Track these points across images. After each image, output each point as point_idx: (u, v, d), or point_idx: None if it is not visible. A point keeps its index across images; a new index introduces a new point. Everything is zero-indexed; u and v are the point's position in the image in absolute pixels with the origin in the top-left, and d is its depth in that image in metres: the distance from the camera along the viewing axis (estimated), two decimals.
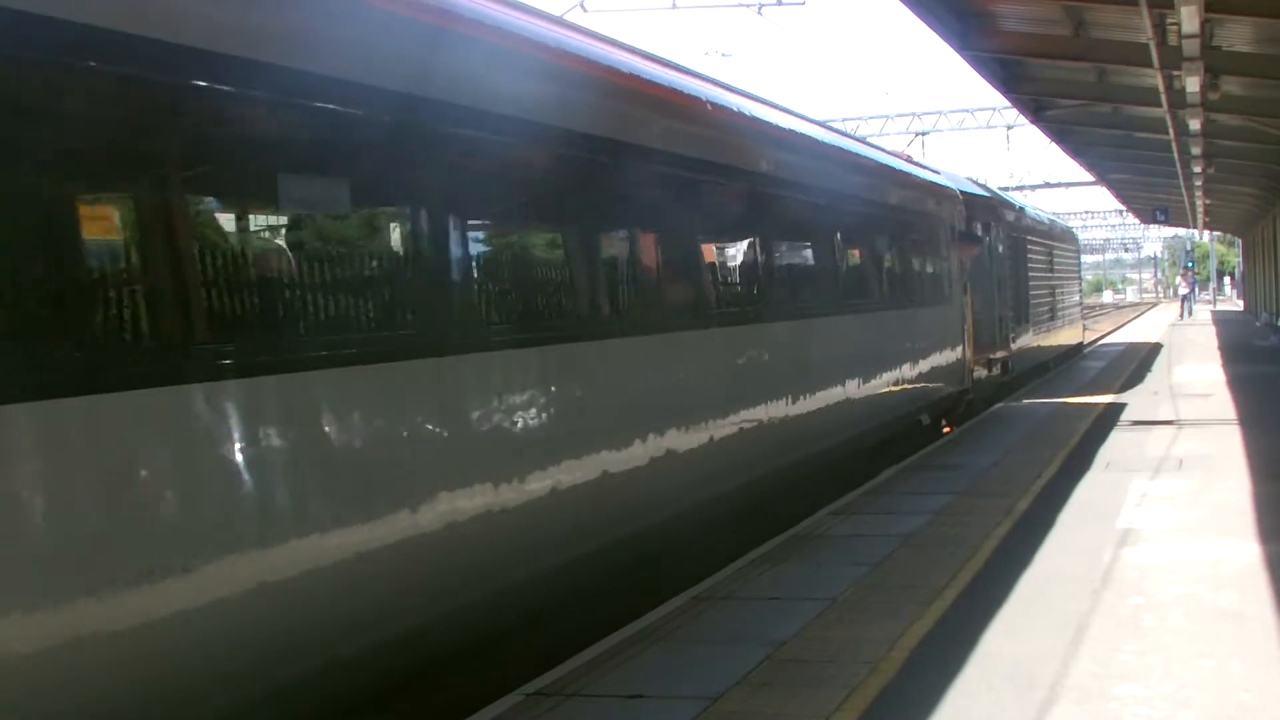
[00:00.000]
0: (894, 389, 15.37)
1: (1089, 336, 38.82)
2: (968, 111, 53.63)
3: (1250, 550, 9.33)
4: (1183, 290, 71.00)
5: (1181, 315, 62.55)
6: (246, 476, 5.47)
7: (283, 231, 6.34)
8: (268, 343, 5.77)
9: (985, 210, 22.61)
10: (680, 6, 25.44)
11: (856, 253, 14.55)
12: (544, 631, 7.94)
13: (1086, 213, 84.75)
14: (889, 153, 19.34)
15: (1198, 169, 26.92)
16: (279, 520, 5.64)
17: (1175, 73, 15.38)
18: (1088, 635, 7.39)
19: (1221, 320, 54.96)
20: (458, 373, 6.94)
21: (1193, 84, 15.18)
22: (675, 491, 9.35)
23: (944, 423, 18.88)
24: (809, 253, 13.29)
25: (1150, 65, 15.80)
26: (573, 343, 8.16)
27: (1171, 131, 21.74)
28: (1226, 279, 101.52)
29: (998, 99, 33.36)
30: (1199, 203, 39.39)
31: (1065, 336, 32.80)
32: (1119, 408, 19.65)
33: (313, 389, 5.90)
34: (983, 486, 12.90)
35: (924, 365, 16.82)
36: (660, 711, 6.47)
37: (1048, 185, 62.99)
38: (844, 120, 49.80)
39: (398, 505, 6.34)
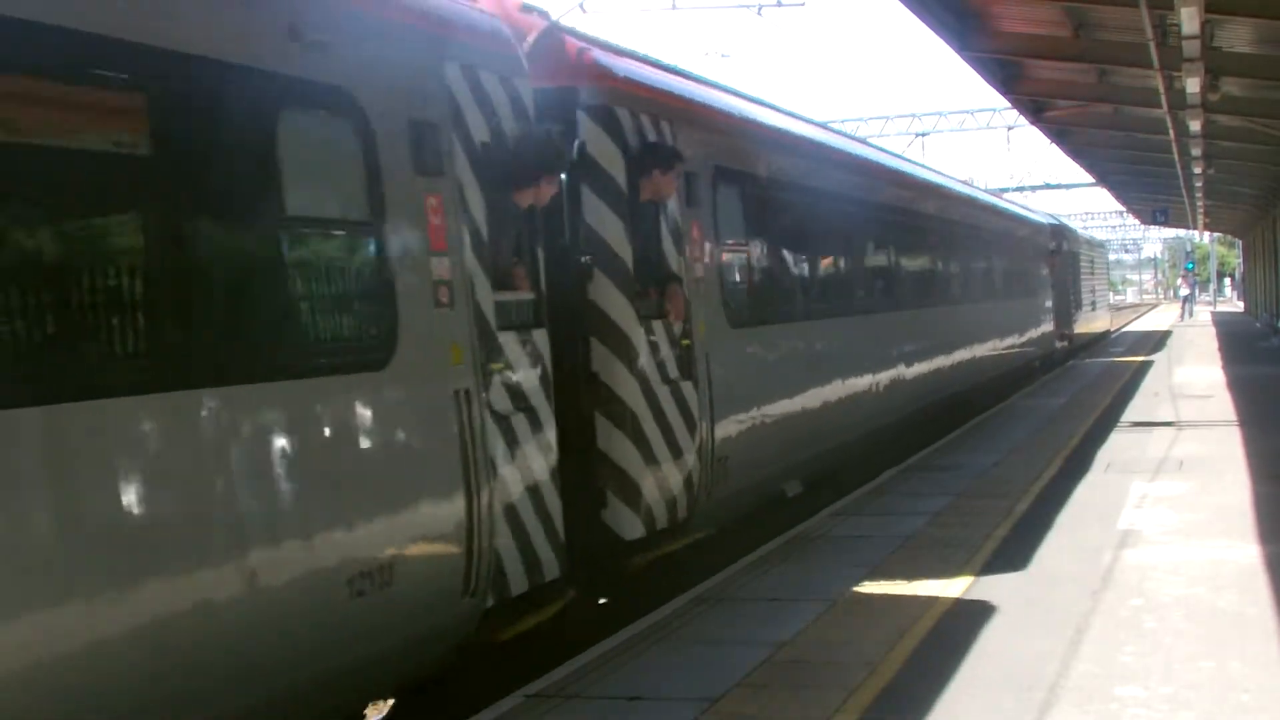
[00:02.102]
0: (1018, 349, 25.61)
1: (1104, 328, 48.32)
2: (968, 112, 53.52)
3: (1250, 551, 9.33)
4: (1183, 291, 71.03)
5: (1182, 316, 62.59)
6: None
7: None
8: None
9: (1056, 233, 32.75)
10: (680, 7, 25.42)
11: (1003, 264, 24.85)
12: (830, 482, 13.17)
13: (1086, 214, 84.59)
14: (1015, 203, 32.19)
15: (1198, 170, 26.89)
16: None
17: (1175, 74, 15.36)
18: (1088, 636, 7.39)
19: (1221, 321, 54.95)
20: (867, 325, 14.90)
21: (1193, 85, 15.16)
22: (912, 400, 16.67)
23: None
24: (981, 266, 22.84)
25: (1150, 66, 15.79)
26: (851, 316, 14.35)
27: (1172, 132, 21.72)
28: (1226, 280, 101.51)
29: (998, 100, 33.58)
30: (1199, 204, 39.37)
31: (1100, 324, 44.40)
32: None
33: None
34: (983, 487, 12.89)
35: (1033, 334, 27.54)
36: (660, 713, 6.47)
37: (1048, 186, 62.88)
38: (844, 121, 49.72)
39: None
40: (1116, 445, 15.53)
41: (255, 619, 5.42)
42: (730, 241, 11.02)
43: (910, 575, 9.13)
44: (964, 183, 27.22)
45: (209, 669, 5.24)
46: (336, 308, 6.32)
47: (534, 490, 7.40)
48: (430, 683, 7.11)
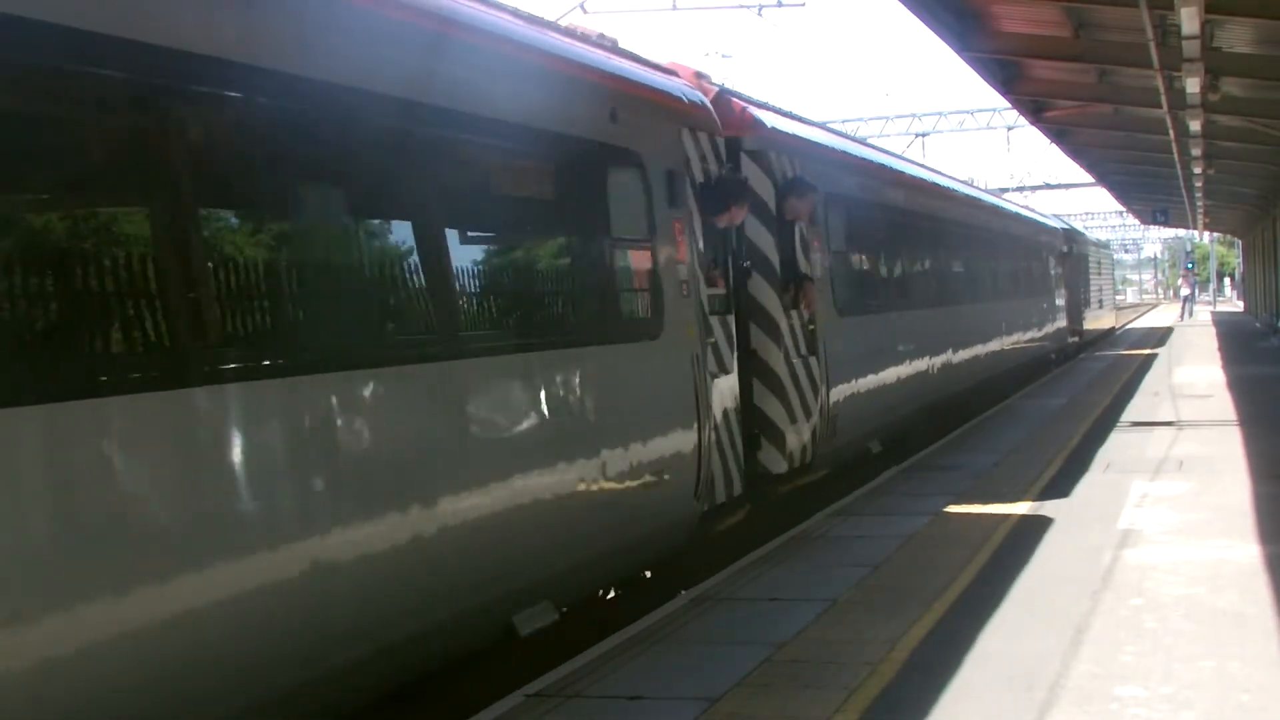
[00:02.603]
0: (1030, 345, 27.09)
1: (1110, 325, 51.11)
2: (968, 113, 53.55)
3: (1250, 551, 9.34)
4: (1184, 291, 70.98)
5: (1182, 316, 62.55)
6: None
7: None
8: None
9: (1067, 237, 34.98)
10: (680, 8, 25.43)
11: (1028, 267, 28.27)
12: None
13: (1086, 214, 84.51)
14: (1033, 210, 35.41)
15: (1198, 170, 26.89)
16: None
17: (1175, 74, 15.36)
18: (1088, 636, 7.39)
19: (1221, 322, 54.96)
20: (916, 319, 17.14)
21: (1193, 85, 15.16)
22: (959, 380, 19.50)
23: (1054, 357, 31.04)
24: (1010, 268, 25.88)
25: (1150, 66, 15.79)
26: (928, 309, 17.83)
27: (1171, 133, 21.72)
28: (1226, 280, 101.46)
29: (998, 100, 33.67)
30: (1199, 204, 39.37)
31: (1107, 321, 46.94)
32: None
33: None
34: (983, 487, 12.90)
35: (1050, 329, 29.99)
36: (661, 712, 6.47)
37: (1048, 186, 62.89)
38: (844, 122, 49.74)
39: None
40: (1116, 445, 15.54)
41: (605, 499, 8.22)
42: (835, 250, 13.85)
43: (910, 575, 9.14)
44: (995, 194, 31.98)
45: (575, 528, 7.92)
46: (634, 298, 9.26)
47: (729, 429, 10.27)
48: (431, 684, 7.12)
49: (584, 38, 9.83)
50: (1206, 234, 77.65)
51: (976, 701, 6.39)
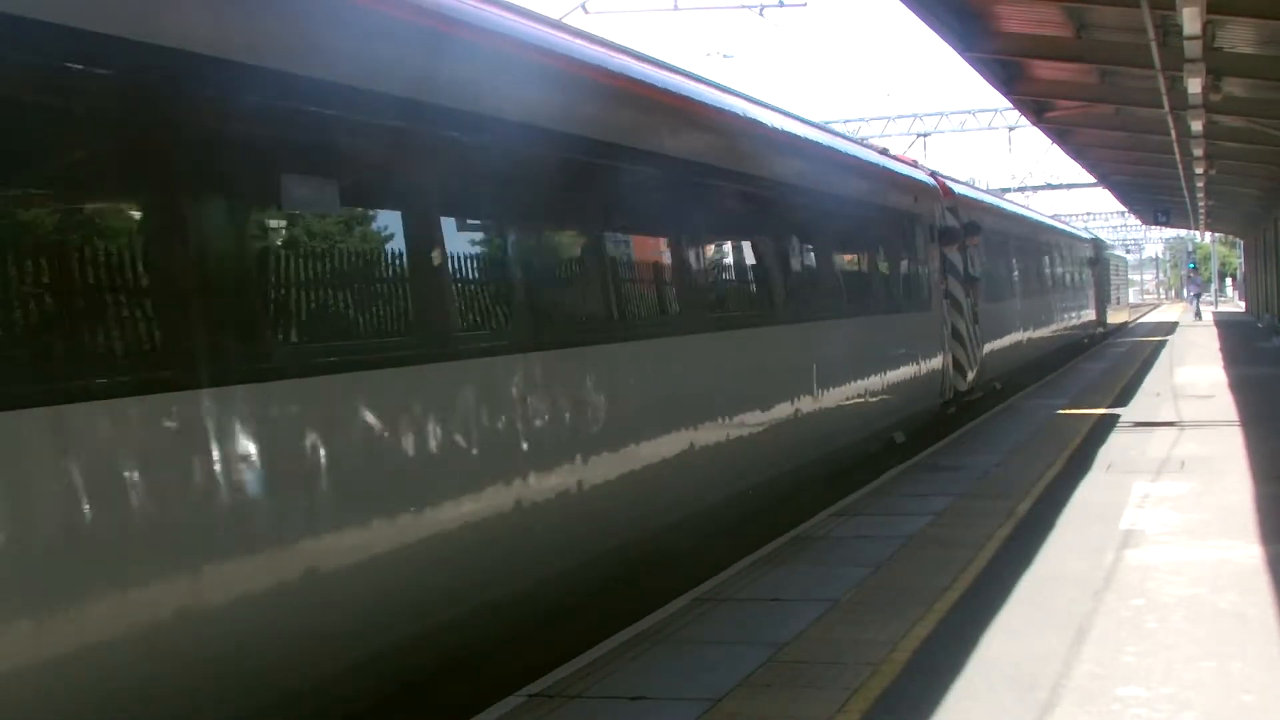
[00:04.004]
0: (1073, 329, 36.18)
1: (1124, 319, 61.17)
2: (969, 113, 53.48)
3: (1252, 552, 9.34)
4: (1194, 290, 70.92)
5: (1194, 314, 62.00)
6: None
7: None
8: None
9: (1095, 246, 45.08)
10: (682, 8, 25.46)
11: (1073, 271, 37.12)
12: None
13: (1088, 214, 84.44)
14: (1072, 226, 46.62)
15: (1199, 170, 26.89)
16: None
17: (1177, 74, 15.36)
18: (1090, 637, 7.39)
19: (1223, 322, 54.95)
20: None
21: (1194, 85, 15.16)
22: (1038, 348, 29.10)
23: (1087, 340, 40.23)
24: (1063, 272, 34.84)
25: (1152, 66, 15.79)
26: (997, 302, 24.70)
27: (1173, 133, 21.73)
28: (1228, 280, 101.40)
29: (999, 100, 33.72)
30: (1200, 204, 39.38)
31: (1122, 316, 57.73)
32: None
33: None
34: (985, 487, 12.90)
35: (1084, 319, 39.41)
36: (663, 713, 6.47)
37: (1050, 187, 62.87)
38: (845, 122, 49.71)
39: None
40: (1118, 445, 15.54)
41: (914, 389, 16.62)
42: (983, 262, 21.65)
43: (912, 576, 9.14)
44: (1053, 217, 43.76)
45: (909, 397, 16.58)
46: (920, 288, 17.59)
47: (955, 359, 18.87)
48: (433, 684, 7.13)
49: (899, 159, 20.11)
50: (1208, 234, 77.65)
51: (978, 701, 6.39)
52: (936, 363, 17.65)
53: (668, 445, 9.15)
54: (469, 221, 7.56)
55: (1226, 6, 13.28)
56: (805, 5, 24.81)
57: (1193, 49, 13.23)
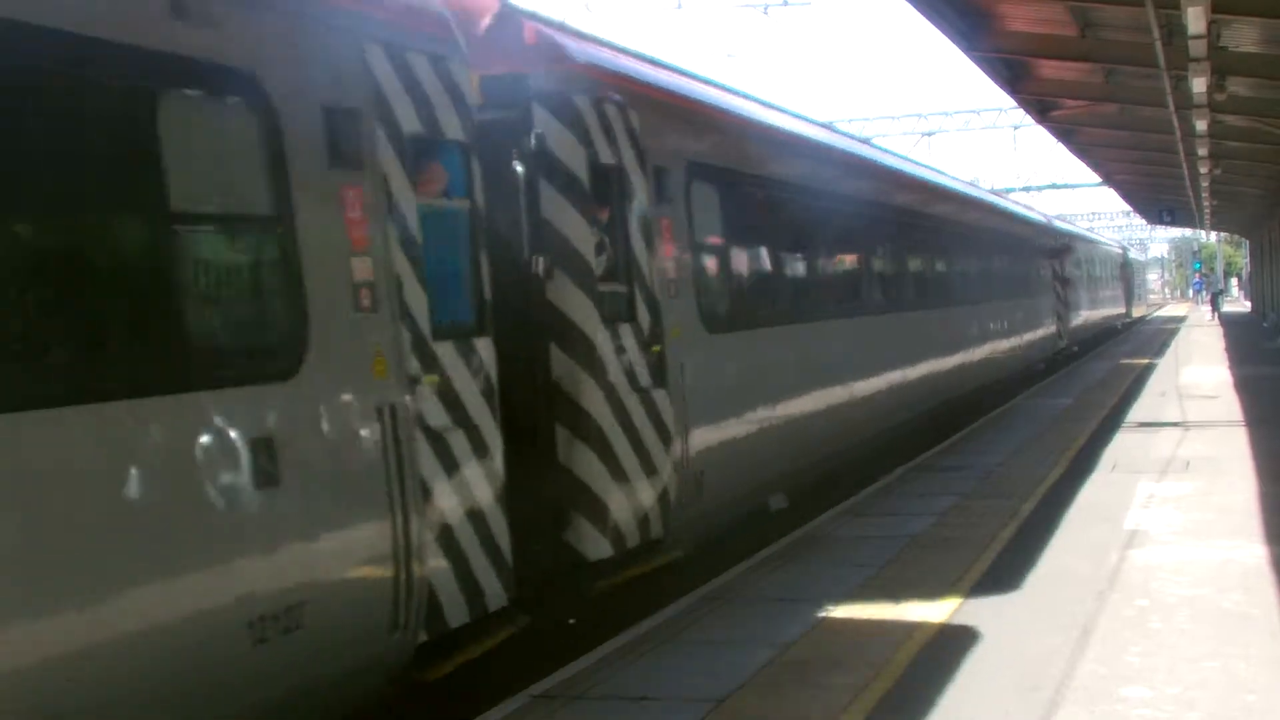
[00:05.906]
0: (1112, 316, 50.54)
1: (1143, 313, 75.82)
2: (974, 112, 53.38)
3: (1256, 552, 9.33)
4: (1215, 287, 71.38)
5: (1212, 313, 61.47)
6: None
7: None
8: None
9: (1123, 253, 57.25)
10: (685, 7, 25.44)
11: (1111, 273, 51.65)
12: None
13: (1093, 214, 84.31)
14: (1107, 238, 60.52)
15: (1204, 170, 26.84)
16: None
17: (1181, 73, 15.33)
18: (1094, 636, 7.40)
19: (1228, 321, 54.90)
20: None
21: (1199, 85, 15.12)
22: (1096, 326, 44.19)
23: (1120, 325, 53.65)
24: (1106, 275, 49.15)
25: (1156, 66, 15.76)
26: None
27: (1178, 132, 21.68)
28: (1234, 280, 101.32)
29: (1004, 99, 33.57)
30: (1205, 204, 39.35)
31: (1139, 311, 70.47)
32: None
33: None
34: (989, 487, 12.90)
35: (1116, 311, 52.40)
36: (667, 713, 6.48)
37: (1054, 186, 62.85)
38: (850, 121, 49.78)
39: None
40: (1123, 445, 15.53)
41: (1033, 343, 28.41)
42: (1066, 269, 33.40)
43: (916, 575, 9.13)
44: (1091, 230, 55.93)
45: (1033, 348, 29.03)
46: (1041, 285, 30.73)
47: (1058, 329, 32.62)
48: (434, 684, 7.13)
49: (1028, 207, 34.51)
50: (1213, 234, 77.57)
51: (982, 700, 6.39)
52: (1052, 328, 30.73)
53: (928, 368, 17.65)
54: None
55: (1231, 6, 13.25)
56: (809, 4, 24.84)
57: (1197, 48, 13.20)
